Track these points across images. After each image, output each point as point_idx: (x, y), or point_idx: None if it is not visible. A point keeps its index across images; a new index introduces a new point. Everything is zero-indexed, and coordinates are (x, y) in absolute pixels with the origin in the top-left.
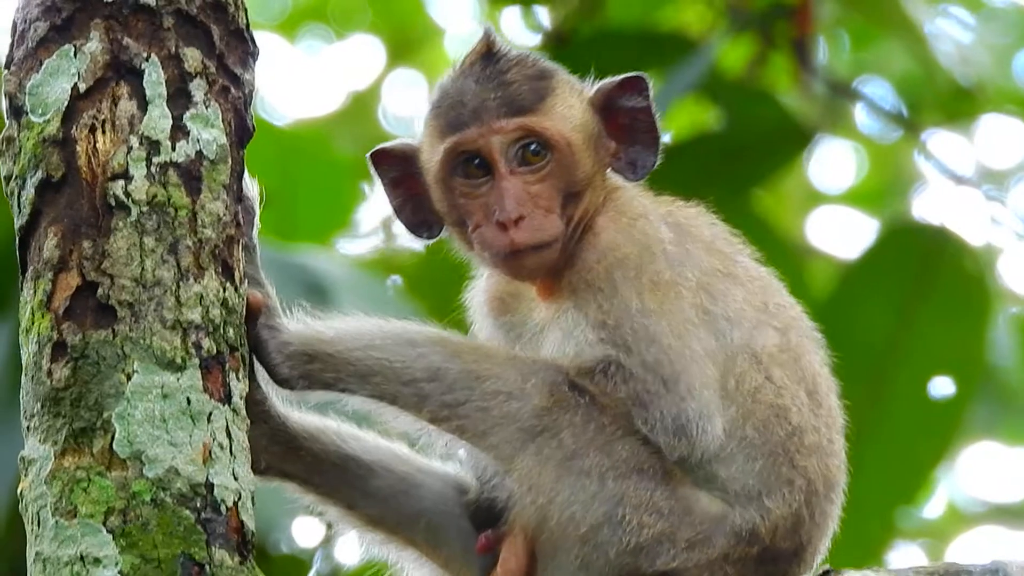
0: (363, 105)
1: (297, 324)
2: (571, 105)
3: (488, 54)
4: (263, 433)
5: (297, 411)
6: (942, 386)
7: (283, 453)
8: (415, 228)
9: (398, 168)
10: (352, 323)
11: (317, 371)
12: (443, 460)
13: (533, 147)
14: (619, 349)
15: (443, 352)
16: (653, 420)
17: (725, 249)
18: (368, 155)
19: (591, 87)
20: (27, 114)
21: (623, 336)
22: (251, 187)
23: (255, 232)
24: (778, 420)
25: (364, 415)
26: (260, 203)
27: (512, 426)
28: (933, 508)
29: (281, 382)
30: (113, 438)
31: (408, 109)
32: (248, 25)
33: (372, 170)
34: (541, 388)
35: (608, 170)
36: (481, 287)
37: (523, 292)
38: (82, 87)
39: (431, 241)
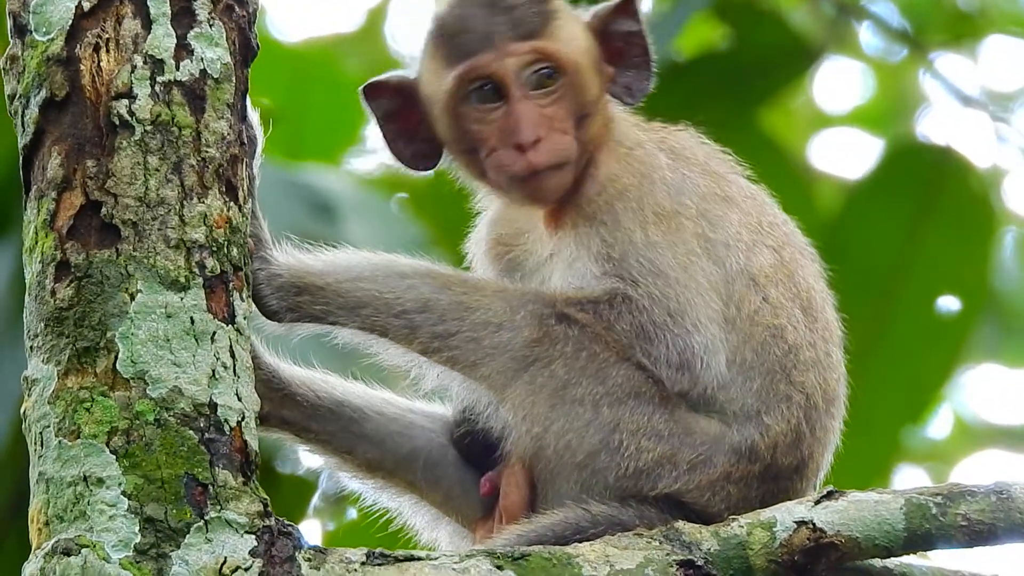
0: (371, 25)
1: (287, 256)
2: (574, 28)
3: None
4: (259, 379)
5: (284, 363)
6: (948, 305)
7: (281, 399)
8: (410, 161)
9: (392, 101)
10: (342, 256)
11: (306, 303)
12: (429, 401)
13: (545, 70)
14: (625, 282)
15: (433, 283)
16: (658, 353)
17: (719, 169)
18: (360, 89)
19: (585, 12)
20: (31, 33)
21: (628, 269)
22: (254, 117)
23: (256, 163)
24: (775, 340)
25: (350, 350)
26: (264, 131)
27: (503, 356)
28: (939, 429)
29: (270, 314)
30: (116, 358)
31: (416, 29)
32: None
33: (364, 104)
34: (531, 319)
35: (606, 95)
36: (482, 235)
37: (524, 227)
38: (86, 6)
39: (427, 173)
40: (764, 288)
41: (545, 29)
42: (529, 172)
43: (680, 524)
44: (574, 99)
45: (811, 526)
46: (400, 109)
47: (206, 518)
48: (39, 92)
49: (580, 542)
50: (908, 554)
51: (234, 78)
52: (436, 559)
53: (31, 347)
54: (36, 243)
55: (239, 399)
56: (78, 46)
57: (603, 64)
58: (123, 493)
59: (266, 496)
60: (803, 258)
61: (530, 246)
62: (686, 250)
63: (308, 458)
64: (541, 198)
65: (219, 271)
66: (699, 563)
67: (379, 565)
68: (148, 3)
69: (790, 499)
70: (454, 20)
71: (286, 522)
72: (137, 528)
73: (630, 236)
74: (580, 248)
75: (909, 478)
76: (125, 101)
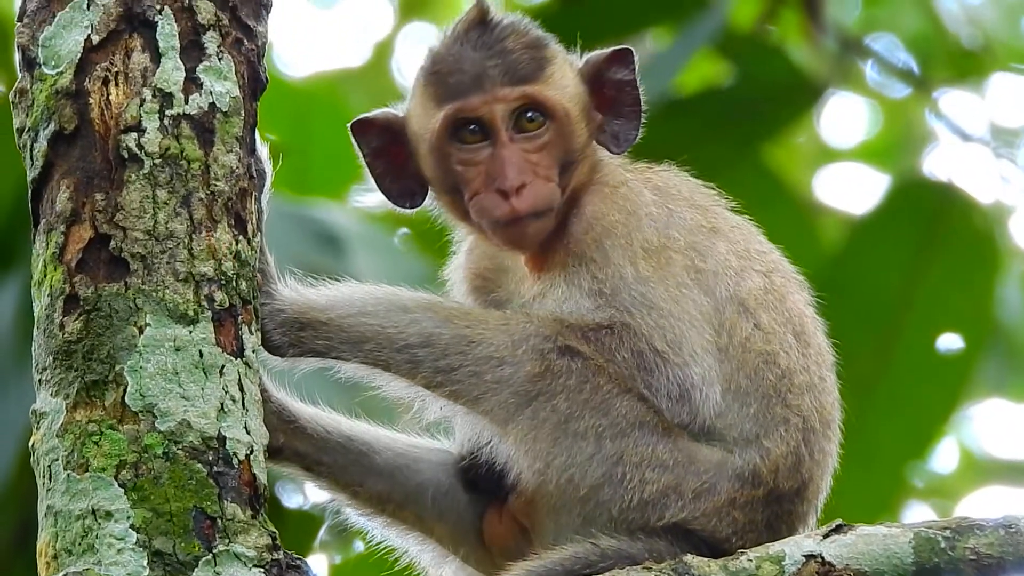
0: (377, 59)
1: (290, 291)
2: (567, 75)
3: (482, 21)
4: (269, 412)
5: (291, 398)
6: (951, 342)
7: (292, 432)
8: (396, 198)
9: (380, 138)
10: (345, 290)
11: (309, 338)
12: (432, 437)
13: (533, 115)
14: (621, 312)
15: (435, 317)
16: (658, 384)
17: (704, 203)
18: (348, 125)
19: (579, 58)
20: (40, 66)
21: (622, 302)
22: (263, 151)
23: (265, 197)
24: (767, 366)
25: (353, 384)
26: (272, 165)
27: (506, 391)
28: (945, 464)
29: (273, 349)
30: (125, 391)
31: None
32: None
33: (353, 141)
34: (533, 354)
35: (593, 142)
36: (460, 262)
37: (506, 264)
38: (95, 39)
39: (412, 211)
40: (755, 314)
41: (538, 75)
42: (511, 218)
43: (689, 558)
44: (561, 146)
45: (820, 560)
46: (388, 146)
47: (215, 551)
48: (48, 125)
49: None
50: None
51: (243, 112)
52: None
53: (39, 380)
54: (45, 276)
55: (248, 432)
56: (87, 79)
57: (593, 111)
58: (132, 526)
59: (274, 529)
60: (792, 284)
61: (513, 287)
62: (676, 283)
63: (315, 492)
64: (521, 244)
65: (228, 304)
66: None
67: None
68: (157, 36)
69: (794, 522)
70: (447, 60)
71: (294, 555)
72: (145, 562)
73: (620, 272)
74: (571, 287)
75: (915, 513)
76: (134, 134)
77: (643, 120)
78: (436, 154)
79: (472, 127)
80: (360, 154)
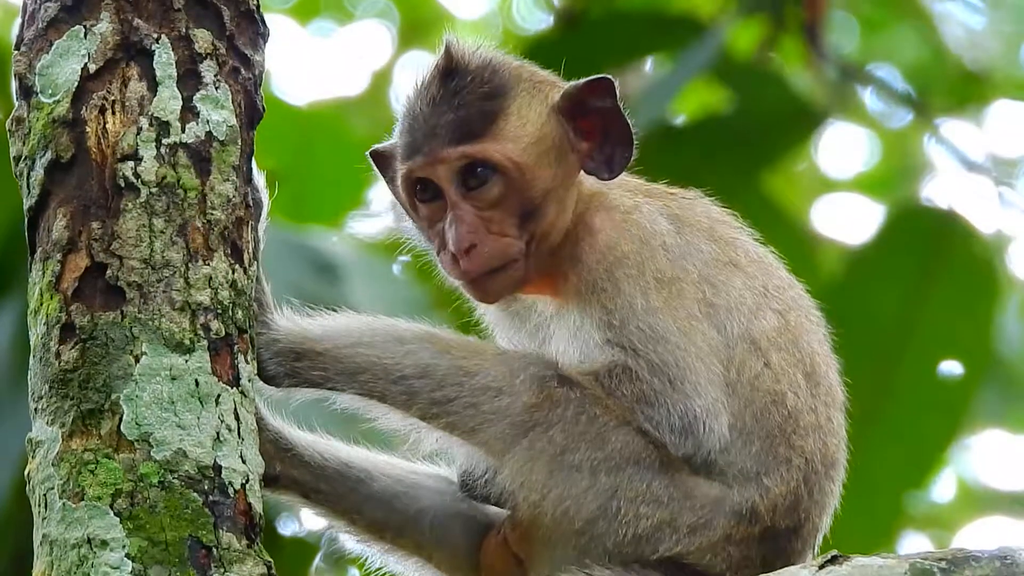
0: (376, 87)
1: (286, 321)
2: (525, 122)
3: (447, 71)
4: (268, 440)
5: (287, 425)
6: (950, 370)
7: (290, 459)
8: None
9: (392, 167)
10: (341, 321)
11: (305, 369)
12: (431, 463)
13: (481, 172)
14: (626, 352)
15: (432, 348)
16: (660, 418)
17: (725, 234)
18: (368, 153)
19: (557, 91)
20: (37, 95)
21: (629, 336)
22: (260, 180)
23: (262, 226)
24: (775, 406)
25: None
26: (269, 194)
27: (502, 422)
28: (942, 494)
29: (268, 379)
30: (121, 420)
31: None
32: (259, 6)
33: (373, 166)
34: (530, 384)
35: (581, 172)
36: None
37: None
38: (92, 68)
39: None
40: (766, 353)
41: (485, 131)
42: (464, 279)
43: None
44: (515, 198)
45: None
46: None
47: None
48: (45, 154)
49: None
50: None
51: (240, 140)
52: None
53: (35, 409)
54: (41, 305)
55: (243, 461)
56: (84, 108)
57: (576, 142)
58: (127, 555)
59: (270, 559)
60: (808, 322)
61: (530, 302)
62: (687, 315)
63: (310, 519)
64: (488, 299)
65: (224, 333)
66: None
67: None
68: (154, 65)
69: (790, 558)
70: (408, 115)
71: None
72: None
73: (631, 302)
74: (584, 317)
75: (912, 543)
76: (131, 163)
77: (635, 142)
78: (408, 208)
79: (425, 187)
80: (384, 181)
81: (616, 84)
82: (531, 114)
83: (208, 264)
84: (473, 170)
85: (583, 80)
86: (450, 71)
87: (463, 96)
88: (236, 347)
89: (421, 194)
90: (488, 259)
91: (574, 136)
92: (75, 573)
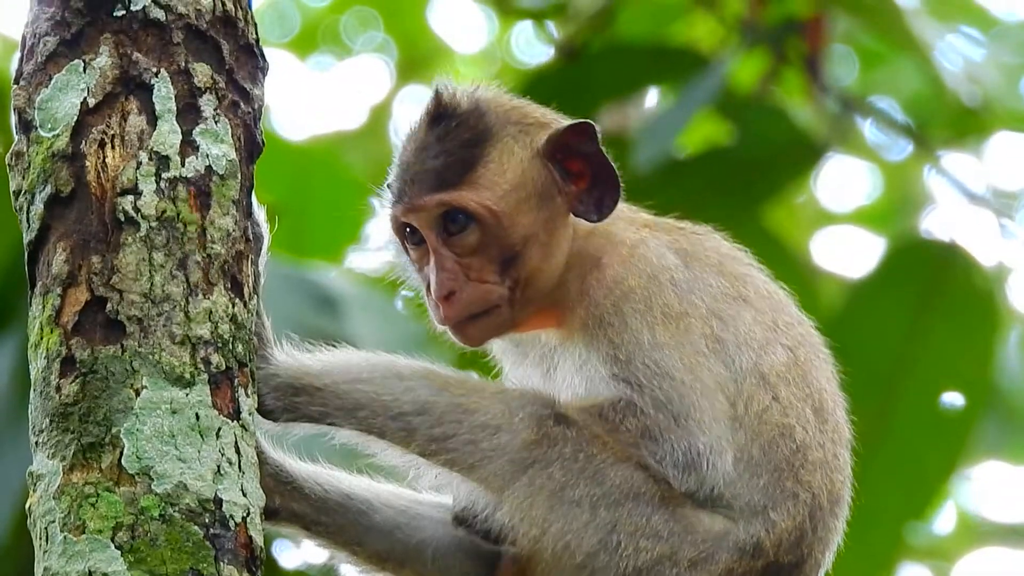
0: (374, 122)
1: (285, 356)
2: (505, 168)
3: (436, 116)
4: (268, 473)
5: (289, 458)
6: (951, 402)
7: (290, 492)
8: None
9: None
10: (341, 356)
11: (303, 404)
12: (435, 492)
13: (459, 219)
14: (631, 387)
15: (431, 385)
16: (663, 454)
17: (734, 270)
18: (371, 198)
19: (545, 134)
20: (36, 129)
21: (634, 371)
22: (260, 214)
23: (262, 260)
24: (783, 439)
25: (347, 452)
26: (269, 228)
27: (502, 459)
28: (942, 525)
29: (266, 414)
30: (122, 453)
31: None
32: (258, 40)
33: (377, 206)
34: (529, 422)
35: (570, 215)
36: None
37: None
38: (91, 102)
39: None
40: (775, 387)
41: (463, 178)
42: (445, 324)
43: None
44: (495, 245)
45: None
46: None
47: None
48: (44, 188)
49: None
50: None
51: (239, 175)
52: None
53: (36, 442)
54: (41, 339)
55: (244, 495)
56: (83, 142)
57: (563, 185)
58: None
59: None
60: (817, 358)
61: (534, 333)
62: (693, 350)
63: (311, 552)
64: (472, 343)
65: (224, 367)
66: None
67: None
68: (154, 99)
69: None
70: (398, 159)
71: None
72: None
73: (637, 337)
74: (590, 351)
75: (912, 574)
76: (130, 197)
77: (621, 185)
78: (400, 249)
79: (413, 230)
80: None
81: (597, 129)
82: (512, 160)
83: (208, 298)
84: (452, 217)
85: (564, 125)
86: (438, 116)
87: (446, 143)
88: (236, 381)
89: (410, 237)
90: (467, 305)
91: (563, 179)
92: None
